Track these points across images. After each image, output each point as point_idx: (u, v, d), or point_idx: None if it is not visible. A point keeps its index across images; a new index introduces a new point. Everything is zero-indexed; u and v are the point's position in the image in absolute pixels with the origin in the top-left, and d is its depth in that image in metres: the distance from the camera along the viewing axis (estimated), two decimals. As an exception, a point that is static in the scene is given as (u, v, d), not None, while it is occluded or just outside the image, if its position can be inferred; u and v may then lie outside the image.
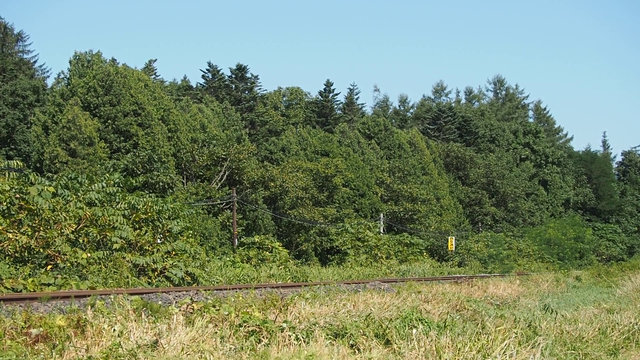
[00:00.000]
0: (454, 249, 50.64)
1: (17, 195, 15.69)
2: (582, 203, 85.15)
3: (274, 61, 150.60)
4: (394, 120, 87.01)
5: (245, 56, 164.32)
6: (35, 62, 63.02)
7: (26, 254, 15.26)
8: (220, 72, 72.48)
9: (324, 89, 75.57)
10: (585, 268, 46.85)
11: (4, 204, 15.58)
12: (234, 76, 72.86)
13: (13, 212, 15.62)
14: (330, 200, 47.34)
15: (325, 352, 7.77)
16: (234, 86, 72.61)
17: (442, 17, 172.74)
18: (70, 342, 7.66)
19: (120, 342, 7.59)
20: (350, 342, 8.76)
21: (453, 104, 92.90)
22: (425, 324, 9.48)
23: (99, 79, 40.55)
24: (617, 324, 11.35)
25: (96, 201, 18.22)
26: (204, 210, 38.10)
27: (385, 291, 15.80)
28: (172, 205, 20.26)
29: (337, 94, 76.72)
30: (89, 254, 16.15)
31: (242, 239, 34.87)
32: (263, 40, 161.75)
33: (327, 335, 8.85)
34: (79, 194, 18.14)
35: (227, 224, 38.44)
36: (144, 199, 19.51)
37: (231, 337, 8.44)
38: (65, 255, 15.67)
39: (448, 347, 8.00)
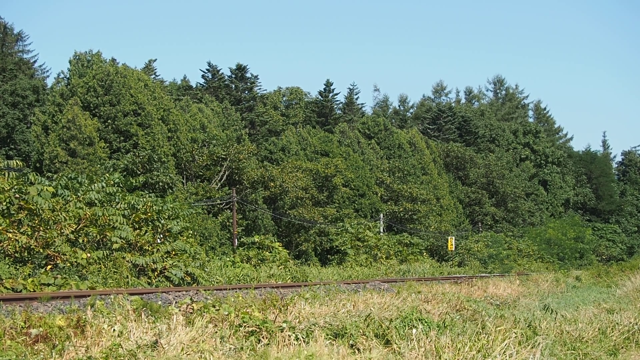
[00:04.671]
0: (454, 249, 50.61)
1: (17, 195, 15.68)
2: (582, 203, 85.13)
3: (274, 61, 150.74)
4: (393, 120, 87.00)
5: (245, 56, 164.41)
6: (35, 62, 63.13)
7: (26, 254, 15.25)
8: (220, 72, 72.47)
9: (324, 89, 75.51)
10: (585, 268, 46.83)
11: (4, 203, 15.56)
12: (233, 76, 72.83)
13: (13, 212, 15.61)
14: (330, 200, 47.32)
15: (325, 352, 7.77)
16: (233, 86, 72.58)
17: (442, 17, 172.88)
18: (70, 342, 7.65)
19: (120, 342, 7.59)
20: (350, 342, 8.75)
21: (453, 104, 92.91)
22: (425, 324, 9.47)
23: (98, 78, 40.52)
24: (617, 324, 11.35)
25: (96, 201, 18.21)
26: (204, 210, 38.08)
27: (385, 291, 15.79)
28: (171, 205, 20.27)
29: (337, 94, 76.71)
30: (88, 254, 16.15)
31: (242, 239, 34.85)
32: (263, 40, 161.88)
33: (327, 335, 8.84)
34: (78, 194, 18.14)
35: (227, 224, 38.42)
36: (144, 199, 19.52)
37: (231, 337, 8.43)
38: (65, 255, 15.66)
39: (448, 347, 8.00)
